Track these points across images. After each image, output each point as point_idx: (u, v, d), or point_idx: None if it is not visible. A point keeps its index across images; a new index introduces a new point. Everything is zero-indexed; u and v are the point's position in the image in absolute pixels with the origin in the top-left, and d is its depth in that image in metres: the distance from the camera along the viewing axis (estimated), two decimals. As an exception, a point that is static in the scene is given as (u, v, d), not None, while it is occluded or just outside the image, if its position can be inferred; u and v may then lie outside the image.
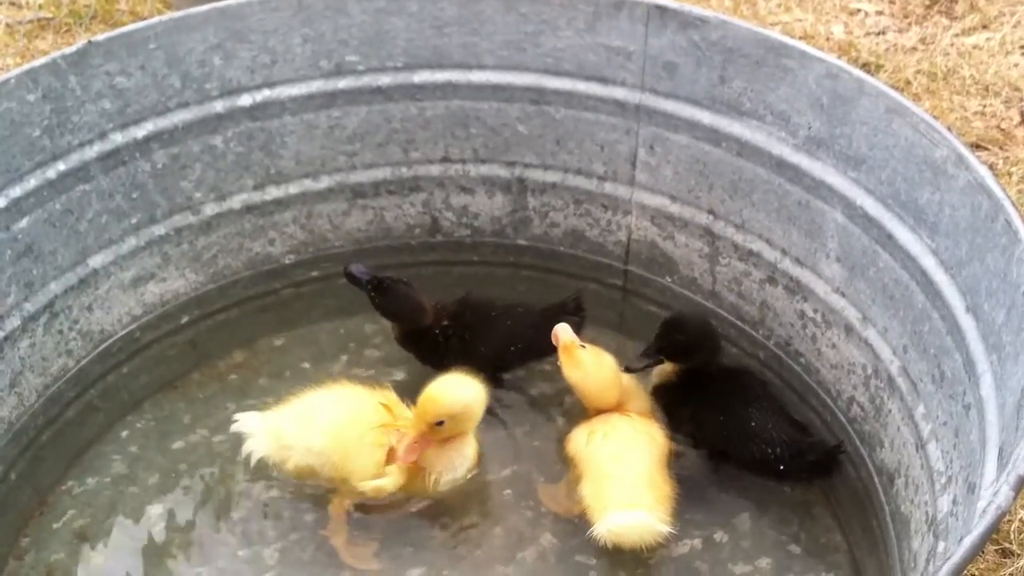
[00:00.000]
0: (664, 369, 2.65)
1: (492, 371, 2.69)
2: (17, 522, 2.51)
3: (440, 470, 2.45)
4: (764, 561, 2.43)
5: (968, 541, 1.49)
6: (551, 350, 2.56)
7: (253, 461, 2.48)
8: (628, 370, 2.61)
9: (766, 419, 2.46)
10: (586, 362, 2.51)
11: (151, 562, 2.44)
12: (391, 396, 2.52)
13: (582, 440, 2.47)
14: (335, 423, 2.43)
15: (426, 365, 2.75)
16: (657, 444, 2.47)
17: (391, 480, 2.41)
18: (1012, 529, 2.53)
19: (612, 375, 2.54)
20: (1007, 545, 2.52)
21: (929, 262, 2.22)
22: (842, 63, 2.40)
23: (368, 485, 2.41)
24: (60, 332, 2.63)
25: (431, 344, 2.71)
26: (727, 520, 2.50)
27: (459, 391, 2.42)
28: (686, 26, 2.56)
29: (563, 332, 2.51)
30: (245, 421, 2.48)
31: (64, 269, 2.61)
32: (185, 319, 2.86)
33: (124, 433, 2.71)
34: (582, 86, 2.75)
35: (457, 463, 2.47)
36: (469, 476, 2.51)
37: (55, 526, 2.52)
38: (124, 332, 2.77)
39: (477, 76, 2.80)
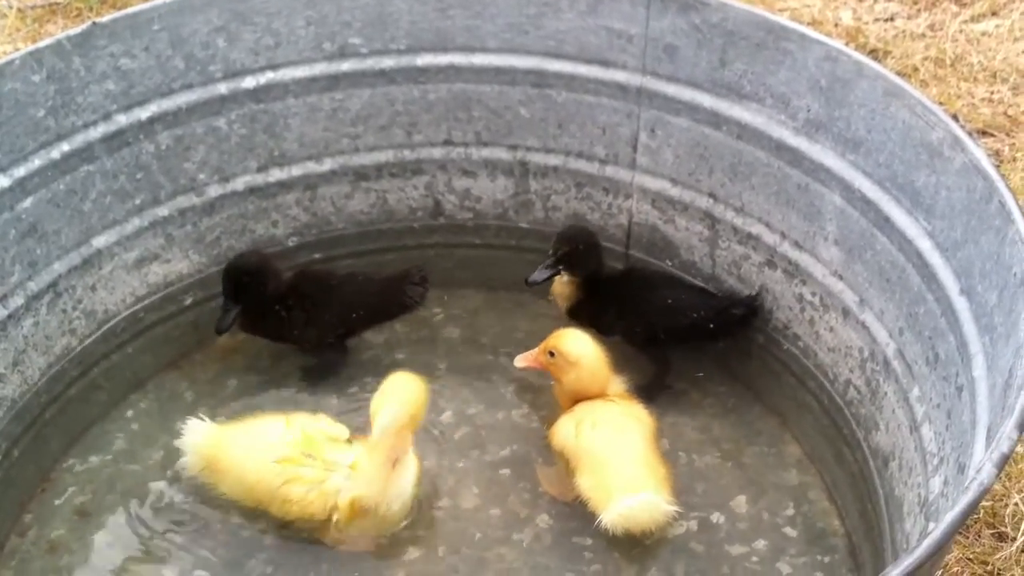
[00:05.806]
0: (563, 291, 2.80)
1: (337, 338, 2.80)
2: (20, 499, 2.54)
3: (388, 499, 2.38)
4: (760, 543, 2.43)
5: (949, 517, 1.49)
6: (394, 314, 2.80)
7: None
8: (529, 282, 2.73)
9: (680, 293, 2.72)
10: (578, 357, 2.52)
11: (153, 539, 2.46)
12: (315, 432, 2.44)
13: (570, 432, 2.47)
14: (252, 475, 2.41)
15: (277, 342, 2.81)
16: (645, 425, 2.48)
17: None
18: (1008, 513, 2.53)
19: (601, 358, 2.55)
20: (1003, 529, 2.51)
21: (925, 244, 2.22)
22: (841, 46, 2.40)
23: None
24: (64, 311, 2.64)
25: (275, 320, 2.76)
26: (724, 502, 2.51)
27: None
28: (687, 9, 2.56)
29: (520, 362, 2.61)
30: (188, 434, 2.47)
31: (68, 249, 2.63)
32: (188, 300, 2.87)
33: (127, 412, 2.74)
34: (583, 69, 2.75)
35: (402, 489, 2.39)
36: (414, 501, 2.44)
37: (57, 503, 2.54)
38: (128, 312, 2.78)
39: (480, 59, 2.81)
